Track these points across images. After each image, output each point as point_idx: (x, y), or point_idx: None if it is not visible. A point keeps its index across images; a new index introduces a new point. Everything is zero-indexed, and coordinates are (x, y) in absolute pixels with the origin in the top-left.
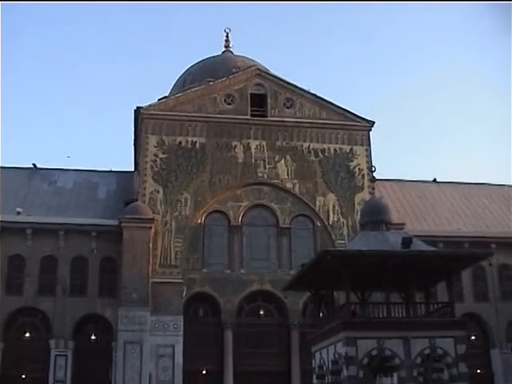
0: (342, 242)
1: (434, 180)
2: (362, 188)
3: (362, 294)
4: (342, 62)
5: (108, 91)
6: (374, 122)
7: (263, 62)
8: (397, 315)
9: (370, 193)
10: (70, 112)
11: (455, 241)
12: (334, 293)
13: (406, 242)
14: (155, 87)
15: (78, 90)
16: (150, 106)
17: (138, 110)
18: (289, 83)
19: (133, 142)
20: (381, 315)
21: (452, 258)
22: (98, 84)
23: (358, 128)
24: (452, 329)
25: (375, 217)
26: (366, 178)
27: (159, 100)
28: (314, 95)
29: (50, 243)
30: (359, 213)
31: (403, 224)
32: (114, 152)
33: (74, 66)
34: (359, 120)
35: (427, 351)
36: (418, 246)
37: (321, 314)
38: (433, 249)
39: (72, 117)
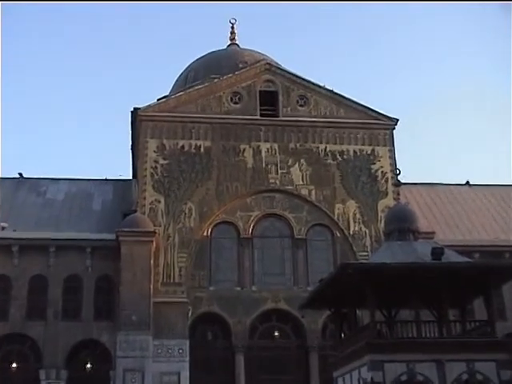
0: (365, 253)
1: (467, 183)
2: (386, 193)
3: (388, 312)
4: (360, 57)
5: (102, 91)
6: (397, 120)
7: (273, 56)
8: (429, 335)
9: (394, 198)
10: (59, 115)
11: (493, 250)
12: (357, 311)
13: (437, 252)
14: (154, 86)
15: (68, 90)
16: (149, 106)
17: (135, 112)
18: (302, 78)
19: (130, 147)
20: (410, 335)
21: (490, 270)
22: (91, 84)
23: (381, 127)
24: (493, 351)
25: (401, 225)
26: (389, 182)
27: (158, 100)
28: (331, 91)
29: (40, 261)
30: (383, 221)
31: (433, 233)
32: (110, 158)
33: (63, 64)
34: (381, 118)
35: (465, 376)
36: (451, 257)
37: (343, 335)
38: (468, 260)
39: (62, 120)
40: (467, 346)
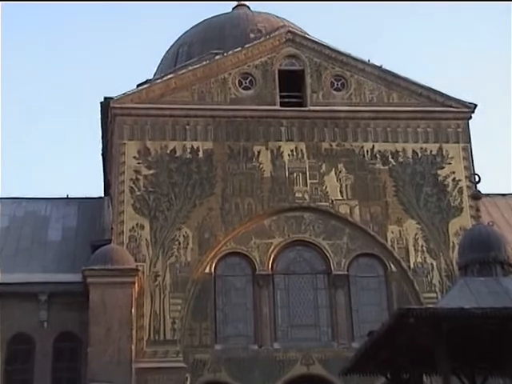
0: (432, 295)
1: None
2: (461, 209)
3: (471, 379)
4: (411, 26)
5: (63, 75)
6: (475, 106)
7: (297, 23)
8: None
9: (473, 216)
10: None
11: None
12: (425, 377)
13: None
14: (132, 67)
15: (16, 71)
16: (126, 95)
17: (106, 103)
18: (338, 52)
19: (101, 152)
20: None
21: None
22: (47, 64)
23: (451, 116)
24: None
25: (484, 254)
26: (465, 193)
27: (139, 86)
28: (379, 68)
29: None
30: (457, 249)
31: None
32: (73, 169)
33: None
34: (452, 103)
35: None
36: None
37: None
38: None
39: (4, 115)
40: None
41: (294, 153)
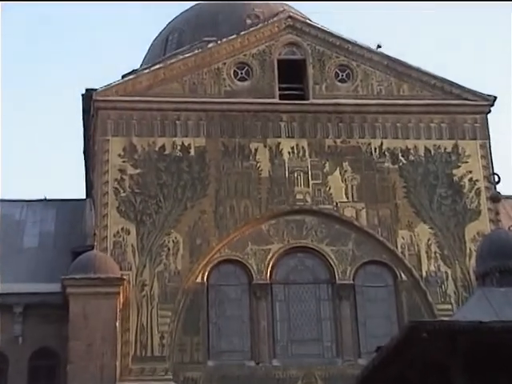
0: (447, 306)
1: None
2: (478, 213)
3: None
4: (425, 10)
5: (39, 64)
6: (495, 98)
7: (298, 7)
8: None
9: (491, 220)
10: None
11: None
12: None
13: None
14: (117, 56)
15: None
16: (110, 86)
17: (88, 95)
18: (343, 39)
19: (82, 149)
20: None
21: None
22: (21, 52)
23: (468, 110)
24: None
25: (504, 262)
26: (483, 194)
27: (124, 77)
28: (388, 57)
29: None
30: (474, 256)
31: None
32: (51, 168)
33: None
34: (468, 96)
35: None
36: None
37: None
38: None
39: None
40: None
41: (295, 150)
